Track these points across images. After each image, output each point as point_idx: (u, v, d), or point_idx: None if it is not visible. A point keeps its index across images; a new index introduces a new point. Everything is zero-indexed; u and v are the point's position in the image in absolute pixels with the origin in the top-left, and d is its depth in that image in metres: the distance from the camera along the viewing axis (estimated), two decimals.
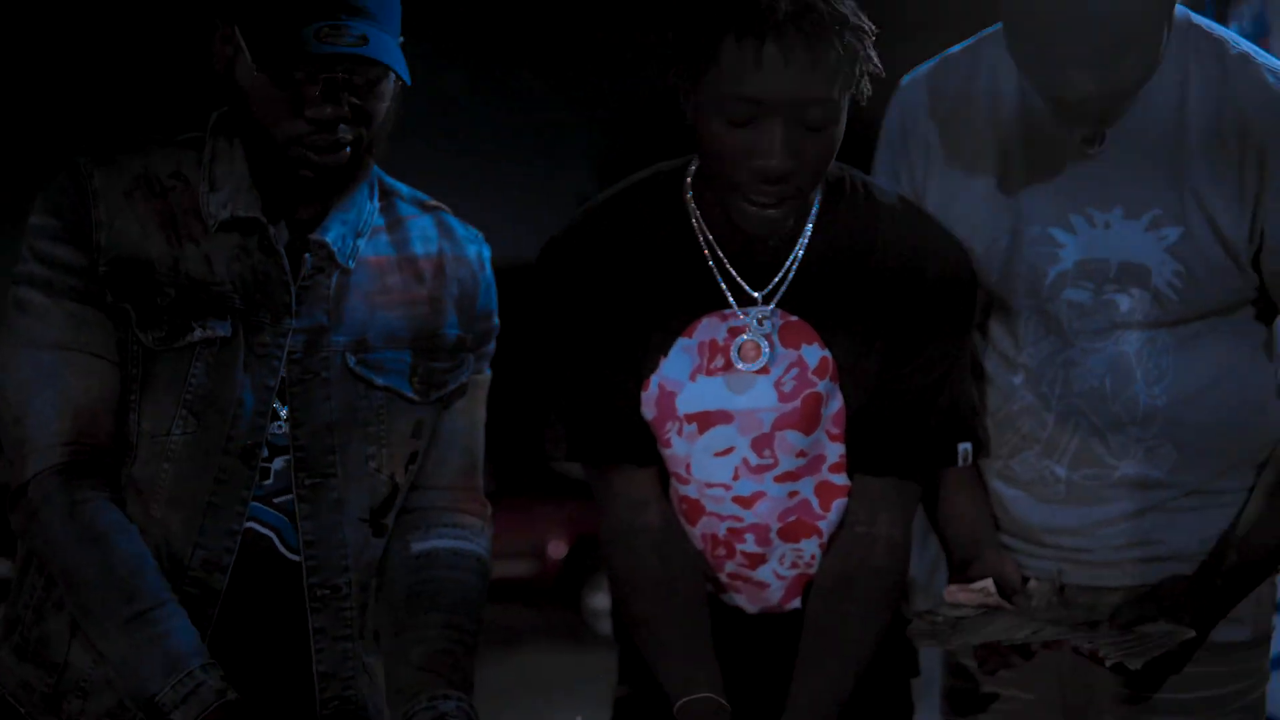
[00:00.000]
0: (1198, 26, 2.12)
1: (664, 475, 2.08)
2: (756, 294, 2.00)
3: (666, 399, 2.02)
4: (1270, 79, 2.08)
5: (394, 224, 2.11)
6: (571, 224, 2.07)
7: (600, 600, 11.13)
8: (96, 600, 1.90)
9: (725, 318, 2.01)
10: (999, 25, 2.13)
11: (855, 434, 2.04)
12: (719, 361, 2.01)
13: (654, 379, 2.02)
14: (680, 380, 2.01)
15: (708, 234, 2.00)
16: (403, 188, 2.16)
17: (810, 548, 2.07)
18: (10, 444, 1.97)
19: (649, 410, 2.03)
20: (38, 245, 1.98)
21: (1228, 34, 2.14)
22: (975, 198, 2.16)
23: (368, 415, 2.04)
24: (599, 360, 2.03)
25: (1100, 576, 2.18)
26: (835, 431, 2.04)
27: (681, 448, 2.03)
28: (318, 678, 2.03)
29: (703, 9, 1.87)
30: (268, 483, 1.99)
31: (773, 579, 2.10)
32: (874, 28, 1.88)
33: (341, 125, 1.93)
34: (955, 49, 2.24)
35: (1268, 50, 2.23)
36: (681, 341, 2.01)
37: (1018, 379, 2.17)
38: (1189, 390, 2.14)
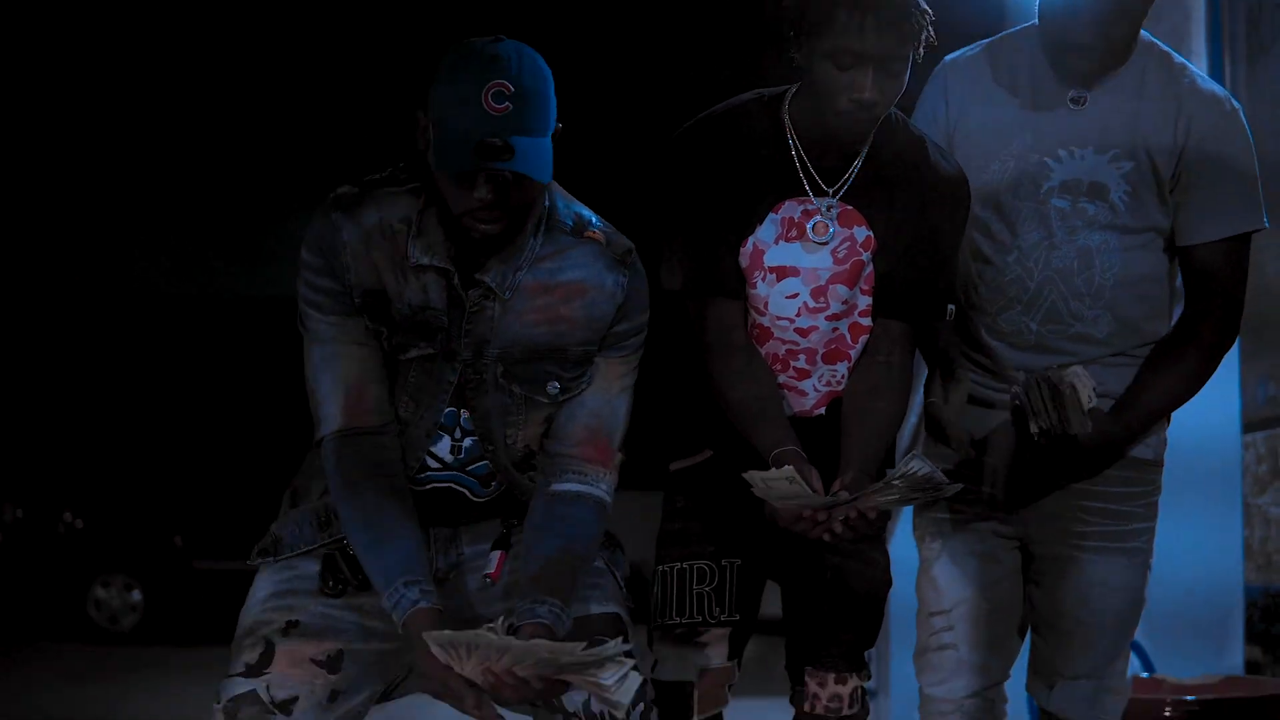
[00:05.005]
0: (1154, 42, 3.00)
1: (745, 311, 2.83)
2: (828, 189, 2.80)
3: (757, 254, 2.79)
4: (1200, 82, 2.98)
5: (554, 254, 2.61)
6: (697, 122, 2.81)
7: None
8: (351, 540, 2.58)
9: (802, 202, 2.79)
10: (1011, 30, 3.04)
11: (881, 291, 2.83)
12: (795, 233, 2.79)
13: (750, 239, 2.78)
14: (768, 242, 2.78)
15: (798, 143, 2.77)
16: (569, 220, 2.64)
17: (841, 370, 2.84)
18: (313, 410, 2.59)
19: (744, 260, 2.80)
20: (307, 276, 2.57)
21: (1171, 49, 3.03)
22: (994, 135, 3.00)
23: (511, 409, 2.63)
24: (715, 219, 2.77)
25: None
26: (866, 288, 2.82)
27: (763, 290, 2.79)
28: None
29: None
30: (461, 456, 2.64)
31: (811, 390, 2.83)
32: (932, 14, 2.67)
33: (499, 205, 2.46)
34: (983, 42, 3.08)
35: None
36: (771, 216, 2.79)
37: (1010, 258, 2.98)
38: (1126, 280, 2.98)
